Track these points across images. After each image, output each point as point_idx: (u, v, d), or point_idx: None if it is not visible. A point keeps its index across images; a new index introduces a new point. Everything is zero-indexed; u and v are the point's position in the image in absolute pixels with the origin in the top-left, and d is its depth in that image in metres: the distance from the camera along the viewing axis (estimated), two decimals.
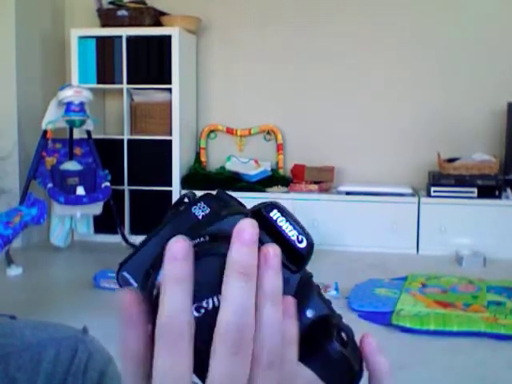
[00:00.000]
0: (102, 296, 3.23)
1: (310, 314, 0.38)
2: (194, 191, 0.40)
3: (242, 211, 0.37)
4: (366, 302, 3.09)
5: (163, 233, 0.37)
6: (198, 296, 0.34)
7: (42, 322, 0.66)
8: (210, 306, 0.34)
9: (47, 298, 3.27)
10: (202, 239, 0.35)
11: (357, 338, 0.39)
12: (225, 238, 0.35)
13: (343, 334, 0.37)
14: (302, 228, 0.37)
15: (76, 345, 0.63)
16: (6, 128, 4.37)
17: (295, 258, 0.37)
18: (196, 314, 0.34)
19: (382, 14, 4.65)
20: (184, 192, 0.40)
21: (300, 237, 0.37)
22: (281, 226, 0.37)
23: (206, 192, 0.39)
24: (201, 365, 0.34)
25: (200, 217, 0.38)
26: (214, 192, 0.40)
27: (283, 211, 0.37)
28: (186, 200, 0.39)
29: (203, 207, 0.38)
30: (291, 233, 0.37)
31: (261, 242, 0.36)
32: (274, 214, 0.37)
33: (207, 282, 0.34)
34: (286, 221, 0.37)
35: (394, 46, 4.66)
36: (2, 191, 4.18)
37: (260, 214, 0.37)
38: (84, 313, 2.93)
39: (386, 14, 4.65)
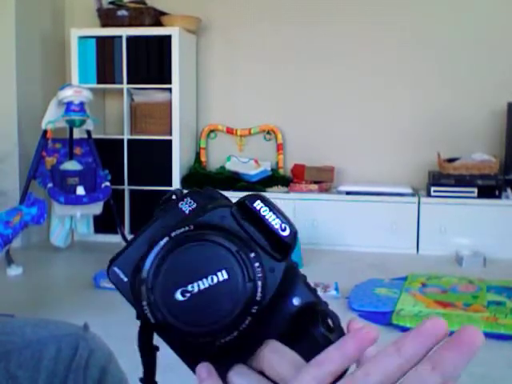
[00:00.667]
0: (102, 296, 3.23)
1: (296, 301, 0.39)
2: (194, 188, 0.41)
3: (226, 204, 0.39)
4: (366, 301, 3.09)
5: (152, 229, 0.39)
6: (184, 281, 0.35)
7: (43, 319, 0.66)
8: (196, 290, 0.35)
9: (47, 298, 3.27)
10: (186, 228, 0.37)
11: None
12: (210, 227, 0.37)
13: (329, 320, 0.38)
14: (285, 217, 0.38)
15: (77, 342, 0.63)
16: (6, 128, 4.38)
17: (279, 247, 0.38)
18: (181, 298, 0.35)
19: (382, 14, 4.65)
20: (174, 188, 0.42)
21: (283, 225, 0.38)
22: (264, 216, 0.38)
23: (193, 188, 0.41)
24: (184, 348, 0.36)
25: (187, 212, 0.39)
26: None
27: (266, 201, 0.38)
28: (174, 197, 0.40)
29: (190, 202, 0.40)
30: (274, 222, 0.38)
31: (246, 232, 0.37)
32: (258, 205, 0.38)
33: (193, 267, 0.35)
34: (269, 210, 0.38)
35: (394, 45, 4.66)
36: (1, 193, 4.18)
37: (244, 205, 0.38)
38: (84, 313, 2.93)
39: (386, 14, 4.65)
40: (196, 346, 0.37)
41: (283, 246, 0.38)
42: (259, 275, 0.36)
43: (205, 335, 0.36)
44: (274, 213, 0.38)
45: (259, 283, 0.36)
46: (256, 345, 0.37)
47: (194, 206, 0.39)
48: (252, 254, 0.37)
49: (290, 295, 0.39)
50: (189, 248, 0.36)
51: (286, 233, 0.38)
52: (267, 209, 0.38)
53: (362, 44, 4.70)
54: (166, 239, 0.37)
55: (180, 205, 0.40)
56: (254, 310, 0.36)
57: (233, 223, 0.38)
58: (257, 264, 0.36)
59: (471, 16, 4.55)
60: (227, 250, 0.36)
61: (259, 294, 0.36)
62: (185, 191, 0.41)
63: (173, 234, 0.37)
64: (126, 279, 0.38)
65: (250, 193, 0.39)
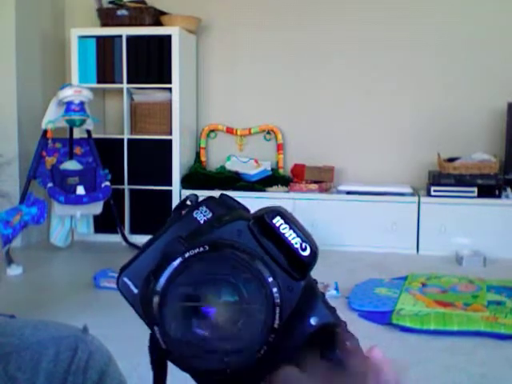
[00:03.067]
0: (102, 296, 3.23)
1: (313, 321, 0.37)
2: (195, 191, 0.40)
3: (243, 217, 0.37)
4: (366, 301, 3.09)
5: (165, 238, 0.37)
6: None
7: (42, 320, 0.66)
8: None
9: (47, 298, 3.27)
10: (201, 249, 0.35)
11: (360, 340, 0.39)
12: (225, 246, 0.35)
13: (347, 344, 0.37)
14: (306, 235, 0.36)
15: (76, 344, 0.63)
16: (6, 128, 4.37)
17: (298, 266, 0.36)
18: None
19: (382, 14, 4.65)
20: (187, 194, 0.40)
21: (304, 244, 0.36)
22: (284, 233, 0.36)
23: (208, 195, 0.39)
24: (195, 373, 0.35)
25: (202, 221, 0.37)
26: (216, 195, 0.39)
27: (286, 218, 0.37)
28: (189, 203, 0.38)
29: (205, 211, 0.38)
30: (294, 240, 0.36)
31: (263, 249, 0.36)
32: (277, 221, 0.36)
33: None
34: (290, 228, 0.36)
35: (394, 46, 4.66)
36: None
37: (263, 221, 0.36)
38: (84, 313, 2.93)
39: (386, 14, 4.64)
40: (209, 374, 0.35)
41: (303, 265, 0.36)
42: (277, 301, 0.35)
43: (216, 371, 0.34)
44: (294, 231, 0.36)
45: (277, 310, 0.35)
46: (271, 367, 0.36)
47: (210, 215, 0.37)
48: (270, 279, 0.35)
49: (308, 314, 0.37)
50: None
51: (307, 253, 0.36)
52: (287, 226, 0.36)
53: (362, 44, 4.69)
54: (179, 260, 0.35)
55: (194, 213, 0.38)
56: (270, 339, 0.34)
57: (250, 239, 0.36)
58: (275, 289, 0.35)
59: (471, 16, 4.55)
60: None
61: (277, 322, 0.35)
62: (200, 197, 0.39)
63: (187, 255, 0.35)
64: (135, 291, 0.37)
65: (270, 206, 0.37)
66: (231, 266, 0.34)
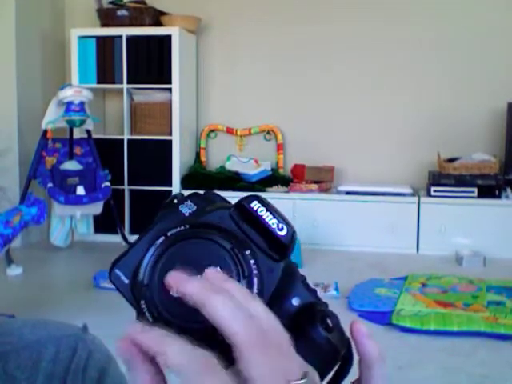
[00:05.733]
0: (102, 296, 3.23)
1: (295, 302, 0.39)
2: (194, 191, 0.42)
3: (225, 206, 0.39)
4: (366, 301, 3.09)
5: (153, 232, 0.39)
6: None
7: (42, 320, 0.66)
8: None
9: (47, 298, 3.27)
10: (182, 227, 0.37)
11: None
12: (206, 226, 0.37)
13: (328, 320, 0.38)
14: (283, 217, 0.39)
15: (76, 343, 0.63)
16: (6, 128, 4.37)
17: (277, 247, 0.38)
18: (176, 295, 0.35)
19: (382, 15, 4.65)
20: (185, 194, 0.42)
21: (280, 225, 0.38)
22: (261, 216, 0.38)
23: (193, 192, 0.42)
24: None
25: (187, 214, 0.40)
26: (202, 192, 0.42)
27: (263, 202, 0.39)
28: (176, 201, 0.41)
29: (190, 205, 0.40)
30: (271, 221, 0.38)
31: (243, 233, 0.38)
32: (255, 205, 0.38)
33: (187, 264, 0.36)
34: (267, 210, 0.38)
35: (394, 46, 4.66)
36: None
37: (242, 206, 0.39)
38: (84, 313, 2.93)
39: (387, 14, 4.65)
40: (197, 343, 0.36)
41: (281, 246, 0.38)
42: (255, 272, 0.37)
43: (203, 332, 0.35)
44: (271, 213, 0.38)
45: (255, 280, 0.37)
46: None
47: (194, 208, 0.40)
48: (247, 252, 0.37)
49: (289, 295, 0.39)
50: (183, 246, 0.37)
51: (283, 232, 0.38)
52: (264, 209, 0.38)
53: (362, 44, 4.69)
54: (162, 238, 0.37)
55: (180, 207, 0.40)
56: None
57: (231, 224, 0.38)
58: (252, 261, 0.37)
59: (471, 16, 4.55)
60: (222, 247, 0.37)
61: (255, 291, 0.36)
62: (186, 194, 0.41)
63: (169, 234, 0.37)
64: (126, 281, 0.39)
65: (249, 194, 0.40)
66: (211, 241, 0.37)
